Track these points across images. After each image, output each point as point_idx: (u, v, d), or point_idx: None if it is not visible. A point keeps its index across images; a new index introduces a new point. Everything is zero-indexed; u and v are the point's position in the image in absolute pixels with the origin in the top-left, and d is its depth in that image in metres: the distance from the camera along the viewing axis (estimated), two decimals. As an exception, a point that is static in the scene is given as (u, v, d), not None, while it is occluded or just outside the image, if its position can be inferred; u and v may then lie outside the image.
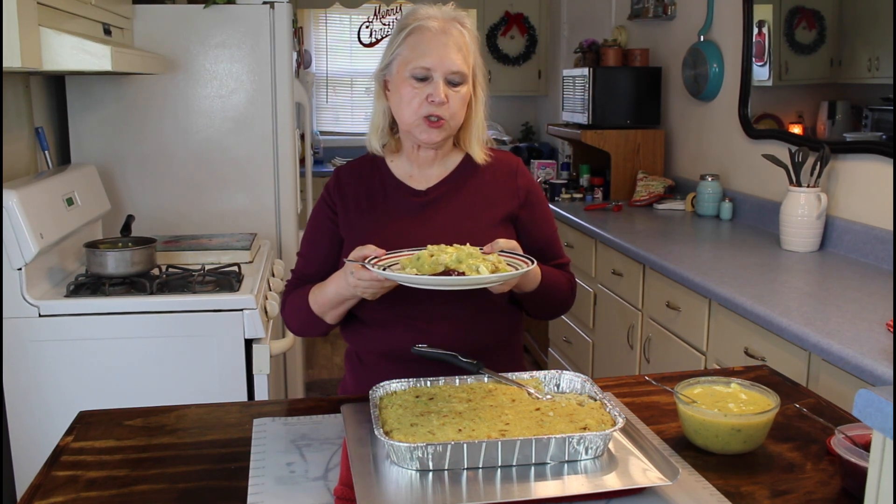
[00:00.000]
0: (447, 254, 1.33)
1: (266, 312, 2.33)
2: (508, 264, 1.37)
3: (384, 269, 1.35)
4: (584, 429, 1.18)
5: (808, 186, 2.72)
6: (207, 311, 2.18)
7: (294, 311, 1.61)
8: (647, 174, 3.90)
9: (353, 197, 1.60)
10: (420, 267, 1.32)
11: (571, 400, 1.30)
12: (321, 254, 1.62)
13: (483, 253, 1.37)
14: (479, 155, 1.60)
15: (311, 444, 1.30)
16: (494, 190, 1.61)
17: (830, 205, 2.75)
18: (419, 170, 1.61)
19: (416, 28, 1.50)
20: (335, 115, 6.23)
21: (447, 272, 1.30)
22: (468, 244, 1.38)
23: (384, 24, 6.00)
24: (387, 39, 1.60)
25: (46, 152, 2.68)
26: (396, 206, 1.58)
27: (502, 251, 1.40)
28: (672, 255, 2.71)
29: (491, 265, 1.31)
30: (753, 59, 3.25)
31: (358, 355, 1.64)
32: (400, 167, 1.62)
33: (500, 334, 1.60)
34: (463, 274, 1.29)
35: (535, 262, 1.40)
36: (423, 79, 1.48)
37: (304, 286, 1.61)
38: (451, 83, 1.49)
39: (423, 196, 1.59)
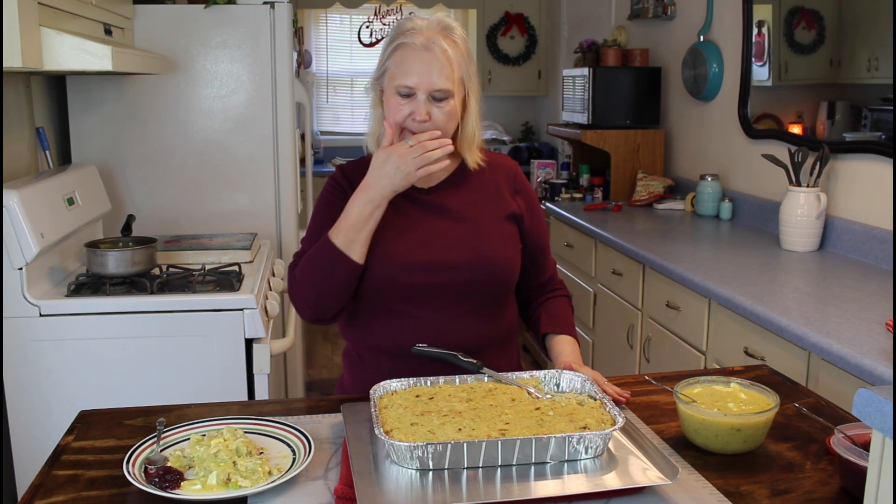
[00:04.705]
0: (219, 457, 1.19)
1: (266, 312, 2.33)
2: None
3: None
4: (584, 428, 1.18)
5: (807, 186, 2.72)
6: (208, 310, 2.18)
7: (308, 273, 1.52)
8: (646, 174, 3.90)
9: None
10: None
11: (571, 399, 1.30)
12: None
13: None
14: (472, 161, 1.61)
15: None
16: (498, 187, 1.65)
17: (830, 204, 2.75)
18: None
19: (400, 45, 1.50)
20: (335, 115, 6.23)
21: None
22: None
23: (384, 24, 6.00)
24: (383, 43, 1.60)
25: (47, 152, 2.68)
26: (402, 201, 1.58)
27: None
28: (672, 254, 2.71)
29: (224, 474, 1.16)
30: (753, 59, 3.25)
31: (357, 353, 1.64)
32: None
33: (505, 328, 1.64)
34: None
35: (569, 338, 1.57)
36: (408, 95, 1.49)
37: None
38: (436, 99, 1.49)
39: (427, 194, 1.61)
